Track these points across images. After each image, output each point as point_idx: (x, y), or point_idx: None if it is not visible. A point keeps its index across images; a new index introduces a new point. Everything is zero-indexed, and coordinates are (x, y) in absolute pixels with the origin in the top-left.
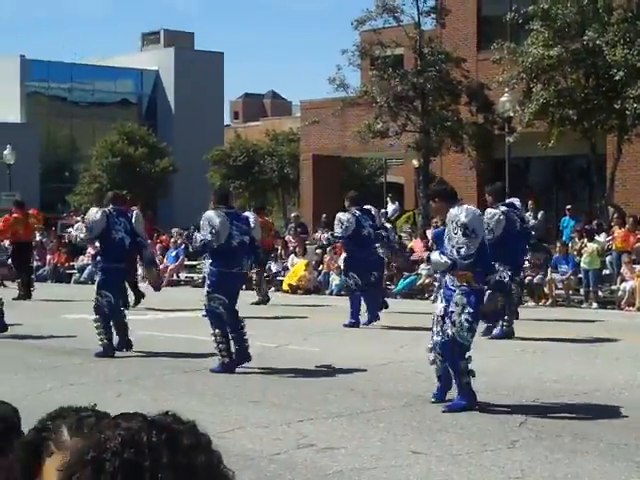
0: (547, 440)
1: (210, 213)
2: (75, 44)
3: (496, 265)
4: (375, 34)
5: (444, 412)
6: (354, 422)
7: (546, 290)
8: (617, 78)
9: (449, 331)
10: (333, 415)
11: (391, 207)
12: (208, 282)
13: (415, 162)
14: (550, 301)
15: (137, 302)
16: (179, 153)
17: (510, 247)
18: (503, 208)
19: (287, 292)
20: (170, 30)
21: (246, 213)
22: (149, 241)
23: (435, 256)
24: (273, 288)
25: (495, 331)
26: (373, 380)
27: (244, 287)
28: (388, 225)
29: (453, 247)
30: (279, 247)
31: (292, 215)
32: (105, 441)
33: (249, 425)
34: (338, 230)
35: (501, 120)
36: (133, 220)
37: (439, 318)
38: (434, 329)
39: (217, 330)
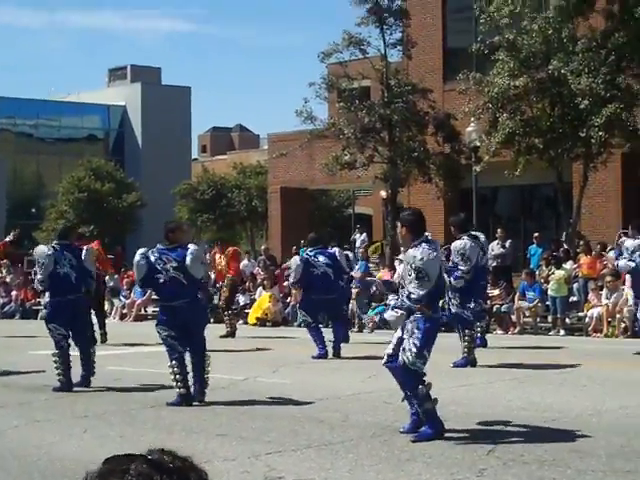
0: (515, 468)
1: (136, 252)
2: (41, 81)
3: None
4: (342, 66)
5: (413, 442)
6: (322, 453)
7: (514, 318)
8: (582, 107)
9: (400, 358)
10: (302, 447)
11: (359, 238)
12: (158, 315)
13: (383, 193)
14: (518, 329)
15: (104, 340)
16: (147, 188)
17: (471, 277)
18: (468, 239)
19: (255, 325)
20: (137, 65)
21: (191, 246)
22: (116, 276)
23: (389, 315)
24: (241, 321)
25: (457, 360)
26: (341, 411)
27: (212, 320)
28: (350, 254)
29: (405, 288)
30: (247, 280)
31: (262, 248)
32: None
33: (216, 459)
34: (291, 277)
35: (468, 150)
36: (83, 256)
37: (393, 347)
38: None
39: (173, 362)
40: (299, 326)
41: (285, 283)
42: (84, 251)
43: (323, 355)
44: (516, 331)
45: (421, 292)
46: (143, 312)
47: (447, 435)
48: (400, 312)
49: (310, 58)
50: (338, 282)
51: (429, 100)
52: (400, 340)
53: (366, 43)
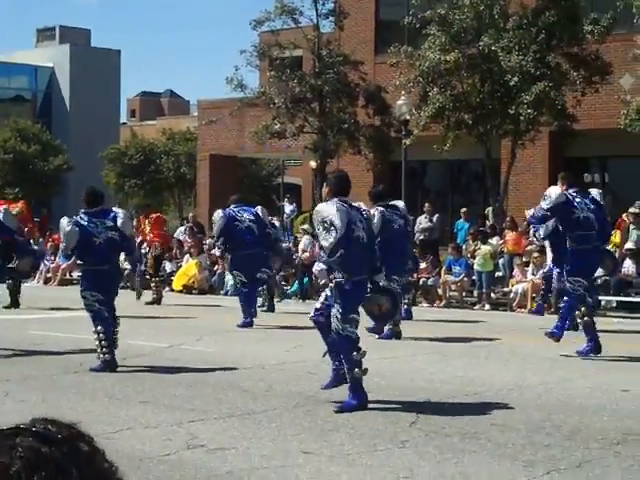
0: (437, 440)
1: (62, 221)
2: None
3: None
4: (274, 35)
5: (336, 412)
6: (245, 422)
7: (440, 291)
8: (512, 84)
9: (332, 325)
10: (224, 415)
11: (288, 208)
12: (81, 281)
13: (312, 163)
14: (444, 302)
15: (12, 306)
16: (74, 151)
17: (392, 247)
18: (380, 208)
19: (181, 292)
20: (66, 26)
21: (115, 209)
22: (41, 239)
23: (315, 267)
24: (167, 288)
25: (384, 331)
26: (266, 380)
27: (139, 287)
28: (276, 223)
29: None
30: (174, 247)
31: (189, 215)
32: (6, 467)
33: (138, 426)
34: (214, 231)
35: (398, 123)
36: (1, 217)
37: (321, 302)
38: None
39: (99, 327)
40: (225, 294)
41: (213, 251)
42: (2, 211)
43: (248, 324)
44: (442, 305)
45: (329, 242)
46: (68, 277)
47: (370, 407)
48: (322, 266)
49: (242, 25)
50: (262, 238)
51: (360, 72)
52: (328, 297)
53: (298, 12)
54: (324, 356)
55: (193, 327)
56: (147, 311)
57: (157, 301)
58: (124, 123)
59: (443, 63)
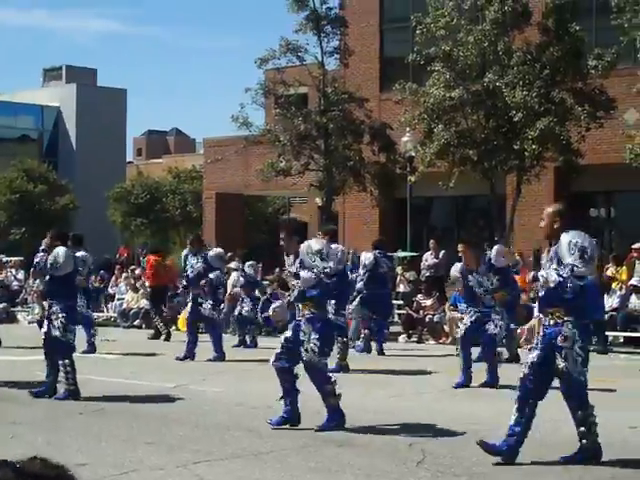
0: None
1: (61, 248)
2: None
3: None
4: (279, 73)
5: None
6: (252, 463)
7: (446, 328)
8: (516, 119)
9: (304, 357)
10: (230, 456)
11: None
12: (66, 314)
13: (318, 201)
14: (450, 339)
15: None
16: (80, 190)
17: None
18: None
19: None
20: (72, 66)
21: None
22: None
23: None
24: (174, 327)
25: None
26: None
27: (143, 325)
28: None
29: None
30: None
31: None
32: None
33: (144, 468)
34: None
35: (403, 160)
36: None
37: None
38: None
39: (66, 360)
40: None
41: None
42: None
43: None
44: (448, 341)
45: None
46: None
47: (376, 446)
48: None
49: (248, 63)
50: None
51: (365, 109)
52: (288, 340)
53: (303, 50)
54: (279, 400)
55: (199, 366)
56: (153, 349)
57: (156, 336)
58: (130, 162)
59: (448, 100)
